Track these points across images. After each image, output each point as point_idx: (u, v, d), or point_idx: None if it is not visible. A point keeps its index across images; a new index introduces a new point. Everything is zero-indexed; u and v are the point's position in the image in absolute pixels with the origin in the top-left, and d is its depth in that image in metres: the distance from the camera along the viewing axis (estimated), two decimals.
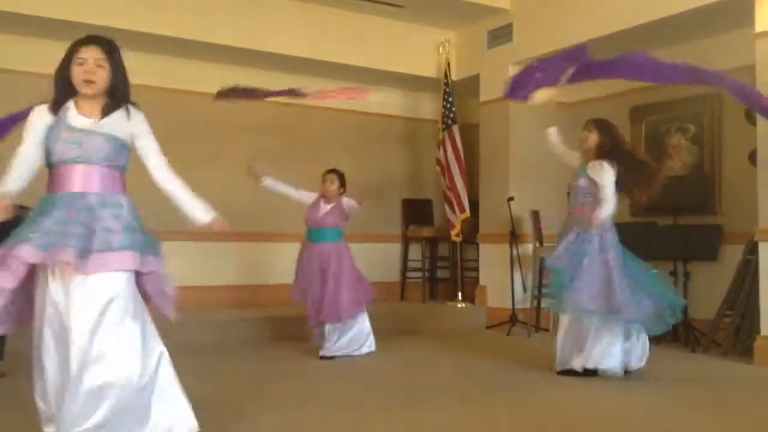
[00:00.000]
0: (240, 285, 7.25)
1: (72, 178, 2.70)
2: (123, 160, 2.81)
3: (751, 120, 5.47)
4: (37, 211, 2.68)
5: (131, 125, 2.82)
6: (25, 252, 2.54)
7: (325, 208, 5.36)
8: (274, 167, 7.33)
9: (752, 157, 5.36)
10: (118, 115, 2.80)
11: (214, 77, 7.20)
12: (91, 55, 2.74)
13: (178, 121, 7.06)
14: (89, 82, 2.73)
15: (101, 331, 2.60)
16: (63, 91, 2.77)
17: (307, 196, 5.42)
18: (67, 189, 2.69)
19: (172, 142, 7.11)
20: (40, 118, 2.76)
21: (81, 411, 2.57)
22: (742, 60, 5.66)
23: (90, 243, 2.61)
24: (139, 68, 7.09)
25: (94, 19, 6.00)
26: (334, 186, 5.35)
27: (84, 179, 2.70)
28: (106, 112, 2.78)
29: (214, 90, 7.16)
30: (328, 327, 5.25)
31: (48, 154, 2.72)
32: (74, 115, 2.76)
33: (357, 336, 5.37)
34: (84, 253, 2.58)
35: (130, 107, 2.85)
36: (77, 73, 2.73)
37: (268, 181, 5.36)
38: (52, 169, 2.75)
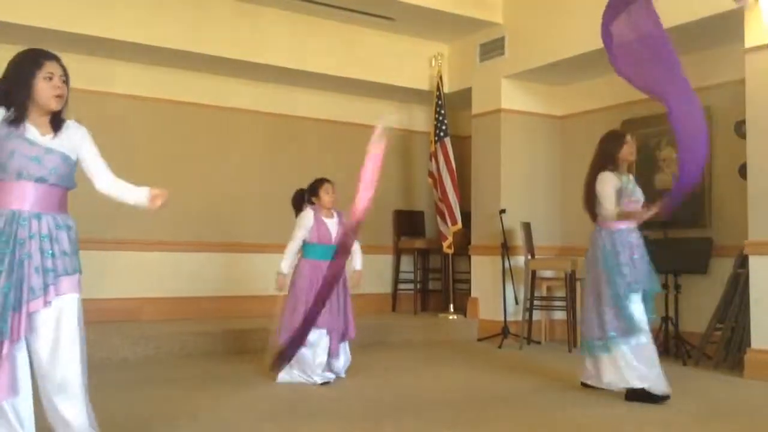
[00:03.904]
0: (221, 296, 7.17)
1: (27, 195, 2.63)
2: (73, 181, 2.79)
3: (740, 134, 5.51)
4: None
5: (77, 140, 2.79)
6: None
7: (332, 222, 5.01)
8: (265, 178, 7.46)
9: (742, 170, 5.40)
10: (66, 133, 2.76)
11: (207, 88, 7.28)
12: (56, 70, 2.71)
13: (170, 130, 7.09)
14: (60, 97, 2.70)
15: (60, 351, 2.66)
16: (22, 103, 2.65)
17: (304, 227, 4.95)
18: (18, 206, 2.61)
19: (169, 153, 7.23)
20: None
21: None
22: (732, 75, 5.74)
23: (54, 267, 2.65)
24: (131, 78, 7.20)
25: (94, 30, 6.05)
26: (335, 195, 5.03)
27: (42, 198, 2.66)
28: (55, 128, 2.73)
29: (208, 100, 7.27)
30: (341, 346, 5.00)
31: None
32: (31, 129, 2.68)
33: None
34: (48, 281, 2.64)
35: (73, 122, 2.81)
36: (46, 88, 2.67)
37: (285, 270, 4.93)
38: None
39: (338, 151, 7.91)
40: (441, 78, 7.75)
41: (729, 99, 5.81)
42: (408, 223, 8.46)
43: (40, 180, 2.64)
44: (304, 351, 4.70)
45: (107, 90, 6.63)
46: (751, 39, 5.23)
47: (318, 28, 7.17)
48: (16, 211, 2.61)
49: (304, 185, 5.26)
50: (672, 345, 5.93)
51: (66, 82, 2.74)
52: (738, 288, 5.43)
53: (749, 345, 5.14)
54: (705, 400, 4.45)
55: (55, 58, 2.73)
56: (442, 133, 7.65)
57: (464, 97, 7.77)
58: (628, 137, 4.60)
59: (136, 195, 2.89)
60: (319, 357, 4.80)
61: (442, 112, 7.67)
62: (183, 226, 6.95)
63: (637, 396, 4.27)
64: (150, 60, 6.77)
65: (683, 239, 6.14)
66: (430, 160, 7.82)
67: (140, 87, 6.87)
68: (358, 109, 8.16)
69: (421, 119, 8.59)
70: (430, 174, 7.83)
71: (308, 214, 4.96)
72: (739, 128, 5.53)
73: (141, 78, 6.86)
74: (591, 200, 4.53)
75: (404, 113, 8.58)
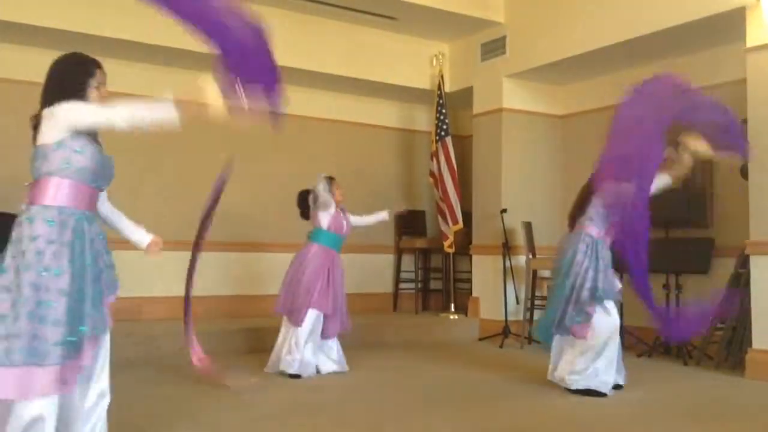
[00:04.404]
0: (234, 295, 7.23)
1: (94, 198, 2.71)
2: None
3: None
4: (58, 231, 2.54)
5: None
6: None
7: (344, 215, 5.28)
8: (266, 176, 7.46)
9: (744, 170, 5.39)
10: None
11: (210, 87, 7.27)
12: (103, 78, 2.78)
13: (175, 131, 7.08)
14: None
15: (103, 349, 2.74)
16: None
17: (329, 208, 5.17)
18: (85, 207, 2.66)
19: (171, 151, 7.23)
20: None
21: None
22: (734, 74, 5.72)
23: (111, 264, 2.79)
24: (134, 78, 7.18)
25: (98, 30, 6.04)
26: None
27: (95, 201, 2.74)
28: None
29: (210, 100, 7.24)
30: (334, 341, 5.17)
31: (68, 163, 2.57)
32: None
33: None
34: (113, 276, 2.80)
35: None
36: (96, 97, 2.73)
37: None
38: (60, 179, 2.58)
39: (339, 149, 7.91)
40: (442, 77, 7.75)
41: (730, 99, 5.76)
42: (409, 222, 8.44)
43: (100, 186, 2.73)
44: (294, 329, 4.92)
45: (111, 90, 6.63)
46: (752, 38, 5.22)
47: (319, 27, 7.16)
48: (83, 211, 2.64)
49: (305, 183, 5.30)
50: (673, 345, 5.92)
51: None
52: (739, 288, 5.42)
53: (750, 345, 5.14)
54: (706, 400, 4.45)
55: (101, 66, 2.79)
56: (443, 133, 7.64)
57: (465, 96, 7.77)
58: None
59: (133, 233, 3.03)
60: (302, 339, 4.91)
61: (443, 111, 7.67)
62: (183, 226, 6.89)
63: (582, 392, 4.43)
64: (153, 60, 6.77)
65: (684, 239, 6.13)
66: (431, 159, 7.82)
67: (143, 87, 6.84)
68: (358, 108, 8.16)
69: (422, 118, 8.59)
70: (431, 173, 7.83)
71: (330, 205, 5.16)
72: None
73: (144, 78, 6.86)
74: (583, 206, 4.65)
75: (405, 112, 8.58)
